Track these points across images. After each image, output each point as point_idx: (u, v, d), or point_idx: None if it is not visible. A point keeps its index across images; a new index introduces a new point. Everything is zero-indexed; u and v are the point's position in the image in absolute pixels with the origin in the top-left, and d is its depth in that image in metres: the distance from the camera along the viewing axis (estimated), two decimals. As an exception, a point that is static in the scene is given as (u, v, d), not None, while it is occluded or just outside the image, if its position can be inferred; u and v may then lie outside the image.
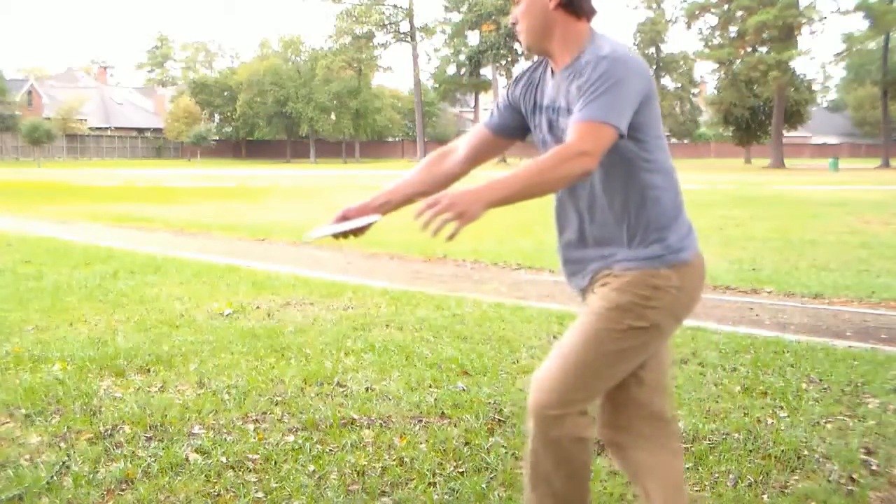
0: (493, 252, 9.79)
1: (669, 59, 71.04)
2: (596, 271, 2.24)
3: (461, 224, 1.92)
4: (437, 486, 3.10)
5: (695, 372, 4.54)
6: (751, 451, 3.40)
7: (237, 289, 7.20)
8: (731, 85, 54.83)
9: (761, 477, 3.17)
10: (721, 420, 3.77)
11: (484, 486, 3.07)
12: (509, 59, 62.94)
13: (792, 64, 51.41)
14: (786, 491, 3.06)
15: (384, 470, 3.24)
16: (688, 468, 3.21)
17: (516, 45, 59.57)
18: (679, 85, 72.78)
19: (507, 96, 2.37)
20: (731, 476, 3.17)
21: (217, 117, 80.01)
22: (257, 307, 6.39)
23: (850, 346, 5.17)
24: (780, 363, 4.73)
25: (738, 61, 54.00)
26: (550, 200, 2.32)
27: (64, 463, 3.24)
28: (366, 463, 3.30)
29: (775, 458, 3.34)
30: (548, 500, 2.25)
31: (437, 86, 70.43)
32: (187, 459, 3.30)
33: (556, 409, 2.14)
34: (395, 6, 68.30)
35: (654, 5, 67.67)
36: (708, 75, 71.69)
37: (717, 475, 3.19)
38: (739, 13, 51.58)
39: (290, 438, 3.55)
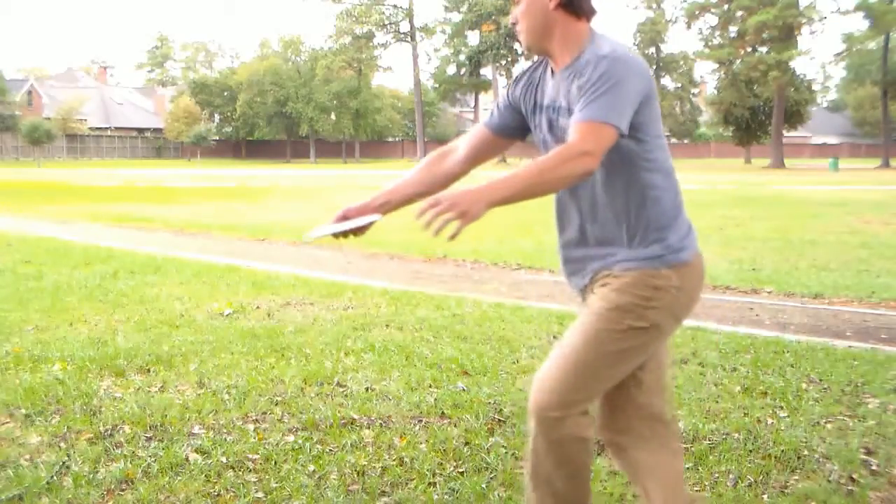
0: (493, 252, 9.79)
1: (669, 59, 71.04)
2: (596, 271, 2.24)
3: (463, 224, 1.92)
4: (437, 486, 3.10)
5: (695, 372, 4.54)
6: (751, 451, 3.40)
7: (237, 289, 7.20)
8: (731, 85, 54.83)
9: (761, 477, 3.17)
10: (721, 420, 3.77)
11: (484, 486, 3.07)
12: (509, 59, 62.94)
13: (792, 64, 51.43)
14: (786, 491, 3.06)
15: (384, 470, 3.24)
16: (688, 468, 3.21)
17: (516, 45, 59.57)
18: (679, 85, 72.79)
19: (508, 96, 2.37)
20: (731, 476, 3.17)
21: (217, 117, 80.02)
22: (257, 307, 6.39)
23: (850, 346, 5.17)
24: (780, 363, 4.73)
25: (738, 61, 54.00)
26: (551, 200, 2.32)
27: (64, 463, 3.24)
28: (366, 463, 3.30)
29: (775, 458, 3.34)
30: (549, 500, 2.25)
31: (437, 86, 70.42)
32: (187, 459, 3.30)
33: (557, 410, 2.14)
34: (395, 6, 68.32)
35: (654, 5, 67.68)
36: (708, 75, 71.80)
37: (717, 475, 3.19)
38: (739, 13, 51.58)
39: (290, 438, 3.55)
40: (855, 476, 3.18)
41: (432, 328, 5.61)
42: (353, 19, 67.62)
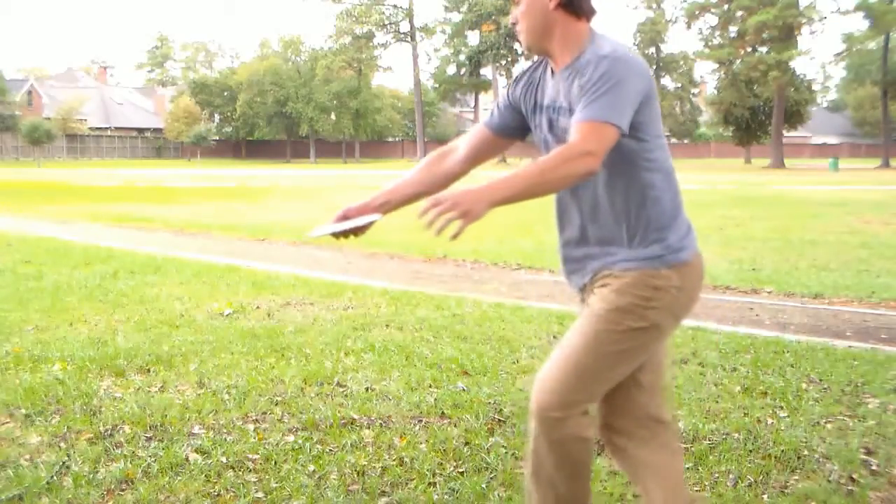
0: (493, 252, 9.79)
1: (669, 59, 71.04)
2: (596, 270, 2.24)
3: (465, 223, 1.92)
4: (437, 486, 3.10)
5: (695, 372, 4.54)
6: (751, 451, 3.40)
7: (237, 289, 7.20)
8: (731, 85, 54.83)
9: (761, 477, 3.17)
10: (721, 420, 3.77)
11: (484, 486, 3.07)
12: (509, 59, 62.95)
13: (792, 64, 51.42)
14: (786, 491, 3.06)
15: (384, 470, 3.24)
16: (688, 468, 3.21)
17: (516, 45, 59.58)
18: (679, 85, 72.79)
19: (508, 96, 2.37)
20: (731, 476, 3.17)
21: (217, 117, 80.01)
22: (257, 307, 6.39)
23: (850, 346, 5.17)
24: (780, 363, 4.73)
25: (738, 61, 54.00)
26: (551, 200, 2.32)
27: (64, 463, 3.24)
28: (366, 463, 3.30)
29: (775, 458, 3.34)
30: (550, 500, 2.26)
31: (437, 86, 70.42)
32: (187, 459, 3.30)
33: (559, 410, 2.15)
34: (395, 6, 68.32)
35: (654, 5, 67.69)
36: (708, 75, 71.80)
37: (717, 475, 3.19)
38: (739, 13, 51.58)
39: (290, 438, 3.55)
40: (855, 476, 3.18)
41: (432, 328, 5.61)
42: (353, 19, 67.63)
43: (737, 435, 3.58)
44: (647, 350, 2.23)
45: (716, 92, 58.50)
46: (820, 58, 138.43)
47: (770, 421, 3.78)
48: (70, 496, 2.98)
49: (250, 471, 3.22)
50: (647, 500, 2.31)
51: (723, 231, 12.30)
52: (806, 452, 3.40)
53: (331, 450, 3.43)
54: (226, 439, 3.52)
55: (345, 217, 2.32)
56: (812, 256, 9.56)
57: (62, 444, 3.46)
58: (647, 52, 68.92)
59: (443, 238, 1.96)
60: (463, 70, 67.16)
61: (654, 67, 67.89)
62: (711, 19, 55.25)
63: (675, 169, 2.26)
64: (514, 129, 2.38)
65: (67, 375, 4.39)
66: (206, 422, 3.74)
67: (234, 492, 3.03)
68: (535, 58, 2.34)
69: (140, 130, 78.62)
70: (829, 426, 3.73)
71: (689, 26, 56.13)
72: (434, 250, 9.76)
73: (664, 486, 2.29)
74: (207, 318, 5.96)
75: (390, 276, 8.18)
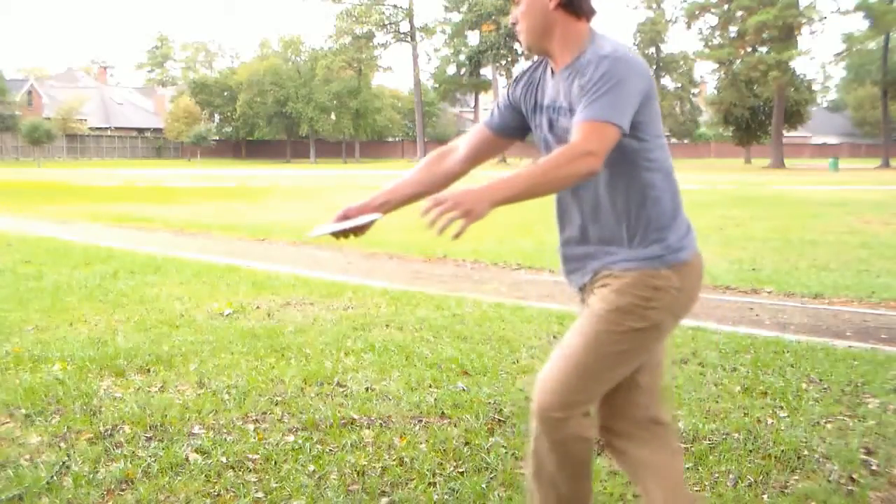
0: (493, 252, 9.79)
1: (669, 59, 71.04)
2: (596, 270, 2.24)
3: (467, 222, 1.92)
4: (437, 486, 3.10)
5: (695, 372, 4.54)
6: (751, 451, 3.40)
7: (237, 289, 7.20)
8: (731, 85, 54.83)
9: (761, 477, 3.17)
10: (721, 420, 3.77)
11: (484, 486, 3.07)
12: (509, 59, 62.97)
13: (792, 64, 51.42)
14: (786, 491, 3.07)
15: (384, 470, 3.24)
16: (688, 468, 3.21)
17: (516, 45, 59.59)
18: (679, 85, 72.79)
19: (508, 96, 2.37)
20: (731, 476, 3.17)
21: (217, 117, 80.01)
22: (257, 307, 6.39)
23: (850, 346, 5.17)
24: (780, 363, 4.73)
25: (738, 61, 54.00)
26: (551, 199, 2.32)
27: (64, 463, 3.24)
28: (366, 463, 3.30)
29: (775, 458, 3.34)
30: (552, 500, 2.26)
31: (437, 86, 70.43)
32: (187, 459, 3.30)
33: (560, 411, 2.15)
34: (395, 6, 68.32)
35: (654, 5, 67.69)
36: (708, 75, 71.80)
37: (717, 475, 3.19)
38: (739, 13, 51.58)
39: (290, 438, 3.55)
40: (855, 476, 3.18)
41: (432, 328, 5.61)
42: (353, 19, 67.63)
43: (737, 435, 3.58)
44: (648, 350, 2.24)
45: (716, 92, 58.50)
46: (820, 58, 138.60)
47: (770, 421, 3.78)
48: (70, 496, 2.98)
49: (250, 471, 3.22)
50: (648, 501, 2.31)
51: (723, 231, 12.30)
52: (806, 452, 3.40)
53: (331, 450, 3.43)
54: (226, 439, 3.52)
55: (345, 217, 2.32)
56: (812, 256, 9.56)
57: (62, 444, 3.46)
58: (647, 52, 68.92)
59: (443, 238, 1.96)
60: (463, 70, 67.17)
61: (654, 67, 67.89)
62: (711, 19, 55.32)
63: (675, 169, 2.26)
64: (514, 129, 2.38)
65: (67, 375, 4.39)
66: (206, 422, 3.74)
67: (234, 492, 3.03)
68: (535, 58, 2.34)
69: (140, 130, 78.62)
70: (829, 426, 3.73)
71: (689, 26, 56.15)
72: (434, 250, 9.76)
73: (664, 486, 2.29)
74: (207, 318, 5.96)
75: (390, 276, 8.18)
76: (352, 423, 3.74)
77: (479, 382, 4.33)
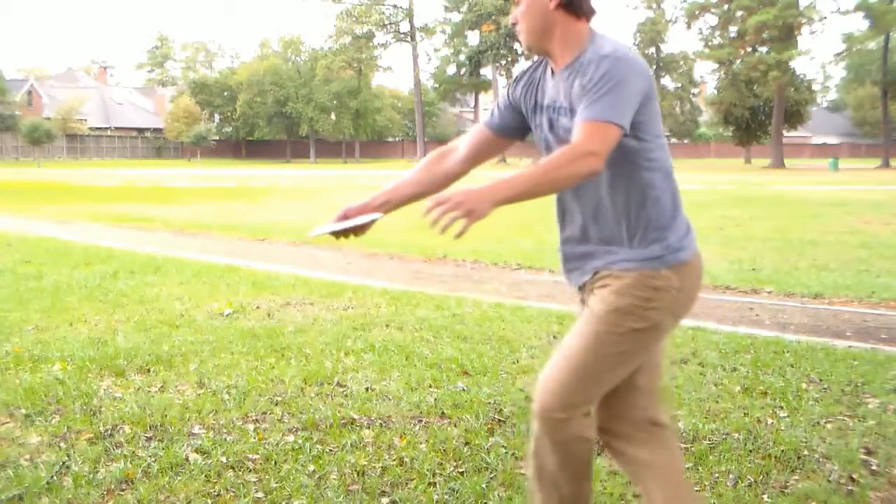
0: (493, 252, 9.79)
1: (669, 59, 71.04)
2: (596, 269, 2.24)
3: (469, 222, 1.92)
4: (437, 486, 3.10)
5: (695, 372, 4.54)
6: (751, 451, 3.40)
7: (237, 289, 7.20)
8: (731, 85, 54.83)
9: (761, 477, 3.17)
10: (721, 420, 3.77)
11: (484, 486, 3.07)
12: (509, 59, 62.95)
13: (792, 64, 51.42)
14: (786, 491, 3.07)
15: (384, 470, 3.24)
16: (688, 468, 3.21)
17: (516, 45, 59.58)
18: (679, 85, 72.79)
19: (508, 96, 2.37)
20: (731, 476, 3.17)
21: (217, 117, 80.00)
22: (257, 307, 6.39)
23: (850, 346, 5.17)
24: (780, 363, 4.73)
25: (738, 61, 54.00)
26: (551, 199, 2.32)
27: (64, 463, 3.24)
28: (366, 463, 3.30)
29: (775, 458, 3.34)
30: (554, 500, 2.26)
31: (437, 86, 70.43)
32: (187, 459, 3.30)
33: (561, 411, 2.15)
34: (395, 6, 68.32)
35: (654, 5, 67.68)
36: (708, 75, 71.78)
37: (717, 475, 3.19)
38: (739, 13, 51.57)
39: (290, 438, 3.55)
40: (855, 476, 3.18)
41: (432, 328, 5.61)
42: (353, 19, 67.62)
43: (737, 435, 3.58)
44: (648, 350, 2.24)
45: (716, 92, 58.49)
46: (820, 58, 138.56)
47: (770, 421, 3.78)
48: (70, 496, 2.98)
49: (250, 471, 3.22)
50: (648, 501, 2.31)
51: (723, 231, 12.30)
52: (806, 452, 3.40)
53: (331, 450, 3.43)
54: (226, 439, 3.52)
55: (345, 216, 2.32)
56: (812, 256, 9.56)
57: (62, 444, 3.46)
58: (647, 52, 68.92)
59: (443, 238, 1.96)
60: (463, 70, 67.16)
61: (654, 67, 67.89)
62: (711, 19, 55.31)
63: (675, 169, 2.26)
64: (515, 129, 2.38)
65: (67, 375, 4.39)
66: (206, 422, 3.74)
67: (234, 492, 3.03)
68: (535, 58, 2.34)
69: (140, 130, 78.61)
70: (829, 426, 3.73)
71: (689, 26, 56.14)
72: (434, 250, 9.76)
73: (665, 486, 2.29)
74: (207, 318, 5.96)
75: (390, 276, 8.18)
76: (352, 423, 3.74)
77: (479, 382, 4.33)
